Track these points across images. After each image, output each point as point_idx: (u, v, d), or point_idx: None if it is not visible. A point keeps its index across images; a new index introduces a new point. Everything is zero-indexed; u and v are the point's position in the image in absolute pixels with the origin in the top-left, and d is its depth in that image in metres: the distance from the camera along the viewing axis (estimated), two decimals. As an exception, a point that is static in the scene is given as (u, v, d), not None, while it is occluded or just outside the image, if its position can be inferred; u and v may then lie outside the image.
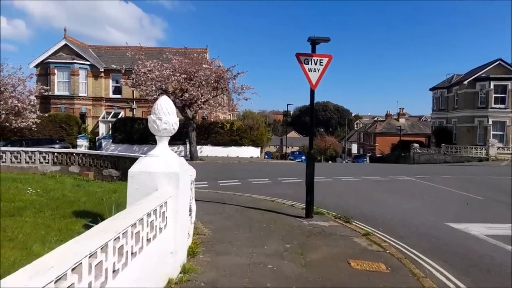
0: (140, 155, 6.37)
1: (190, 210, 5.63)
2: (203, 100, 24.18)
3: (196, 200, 6.73)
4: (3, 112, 20.46)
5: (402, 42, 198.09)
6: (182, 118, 25.40)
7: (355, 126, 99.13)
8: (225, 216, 8.39)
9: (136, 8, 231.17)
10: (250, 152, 31.43)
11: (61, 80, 33.76)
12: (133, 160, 5.20)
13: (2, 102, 19.98)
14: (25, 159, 12.70)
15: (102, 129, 34.51)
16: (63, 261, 2.14)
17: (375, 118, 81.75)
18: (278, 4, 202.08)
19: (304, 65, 8.38)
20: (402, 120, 65.75)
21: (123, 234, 3.02)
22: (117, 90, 35.57)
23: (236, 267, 5.24)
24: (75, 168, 12.63)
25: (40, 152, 12.79)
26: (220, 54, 76.58)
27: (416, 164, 33.91)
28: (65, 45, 33.96)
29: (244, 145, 31.19)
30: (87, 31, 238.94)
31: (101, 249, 2.60)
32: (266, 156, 43.12)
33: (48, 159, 12.73)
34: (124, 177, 4.11)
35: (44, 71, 33.53)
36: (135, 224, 3.35)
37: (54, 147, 20.76)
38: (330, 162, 57.53)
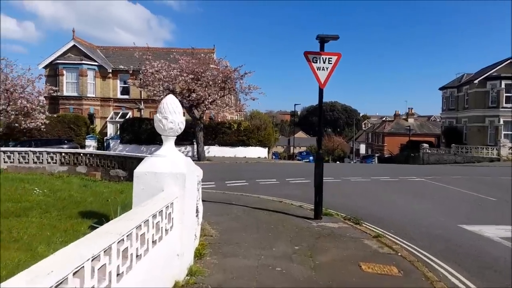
0: (147, 155, 6.31)
1: (197, 211, 5.53)
2: (210, 100, 24.13)
3: (203, 200, 6.63)
4: (13, 112, 20.62)
5: (410, 42, 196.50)
6: (189, 118, 25.43)
7: (363, 126, 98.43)
8: (232, 217, 8.28)
9: (144, 9, 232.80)
10: (258, 152, 31.31)
11: (69, 80, 34.01)
12: (140, 160, 5.12)
13: (11, 103, 20.13)
14: (33, 159, 12.73)
15: (110, 130, 34.69)
16: (64, 265, 2.05)
17: (384, 118, 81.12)
18: (285, 4, 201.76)
19: (313, 63, 8.24)
20: (411, 120, 65.08)
21: (127, 236, 2.93)
22: (125, 91, 35.73)
23: (244, 269, 5.13)
24: (82, 168, 12.63)
25: (48, 153, 12.82)
26: (227, 55, 76.93)
27: (425, 165, 33.47)
28: (74, 46, 34.20)
29: (252, 146, 31.08)
30: (95, 32, 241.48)
31: (104, 252, 2.51)
32: (274, 157, 42.95)
33: (55, 159, 12.74)
34: (131, 178, 4.04)
35: (53, 72, 33.82)
36: (140, 225, 3.25)
37: (62, 148, 20.87)
38: (338, 162, 57.16)
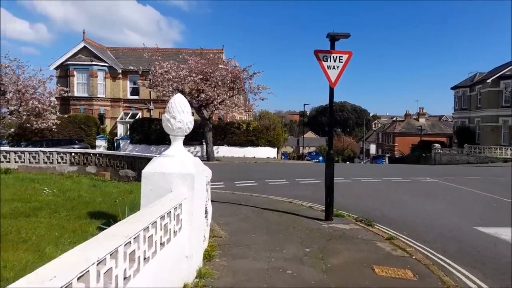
0: (156, 155, 6.25)
1: (206, 212, 5.45)
2: (219, 101, 24.10)
3: (212, 201, 6.56)
4: (24, 113, 20.82)
5: (421, 41, 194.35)
6: (198, 118, 25.46)
7: (373, 126, 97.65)
8: (241, 217, 8.18)
9: (154, 10, 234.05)
10: (267, 152, 31.19)
11: (80, 81, 34.33)
12: (149, 160, 5.06)
13: (23, 104, 20.33)
14: (43, 159, 12.81)
15: (120, 130, 34.92)
16: (68, 269, 1.98)
17: (394, 118, 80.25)
18: (294, 5, 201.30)
19: (323, 62, 8.10)
20: (422, 120, 64.30)
21: (134, 238, 2.85)
22: (135, 91, 35.93)
23: (253, 272, 5.02)
24: (92, 168, 12.66)
25: (58, 153, 12.88)
26: (236, 55, 76.74)
27: (437, 165, 32.97)
28: (84, 47, 34.51)
29: (261, 146, 30.98)
30: (105, 34, 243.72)
31: (110, 255, 2.43)
32: (283, 157, 42.77)
33: (65, 159, 12.80)
34: (140, 178, 3.98)
35: (64, 73, 34.16)
36: (148, 227, 3.17)
37: (73, 148, 21.05)
38: (347, 162, 56.67)
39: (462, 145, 37.49)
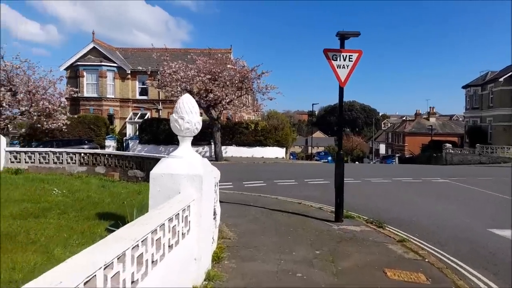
0: (165, 155, 6.20)
1: (215, 213, 5.39)
2: (227, 101, 24.07)
3: (220, 201, 6.49)
4: (35, 113, 21.03)
5: (431, 39, 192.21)
6: (206, 118, 25.47)
7: (383, 126, 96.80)
8: (250, 219, 8.11)
9: (162, 11, 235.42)
10: (275, 152, 31.10)
11: (89, 82, 34.60)
12: (157, 160, 5.04)
13: (34, 104, 20.53)
14: (53, 159, 12.89)
15: (129, 130, 35.12)
16: (74, 274, 1.93)
17: (404, 118, 79.44)
18: (303, 4, 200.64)
19: (332, 61, 8.00)
20: (432, 120, 63.56)
21: (142, 241, 2.80)
22: (144, 92, 36.11)
23: (263, 274, 4.95)
24: (101, 168, 12.70)
25: (67, 153, 12.95)
26: (244, 54, 76.59)
27: (449, 165, 32.53)
28: (94, 48, 34.77)
29: (269, 146, 30.90)
30: (115, 35, 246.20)
31: (117, 259, 2.38)
32: (291, 157, 42.62)
33: (75, 160, 12.87)
34: (148, 178, 3.96)
35: (74, 74, 34.48)
36: (156, 230, 3.12)
37: (83, 148, 21.21)
38: (357, 162, 56.31)
39: (474, 145, 36.95)
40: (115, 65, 34.95)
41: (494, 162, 32.04)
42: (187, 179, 4.19)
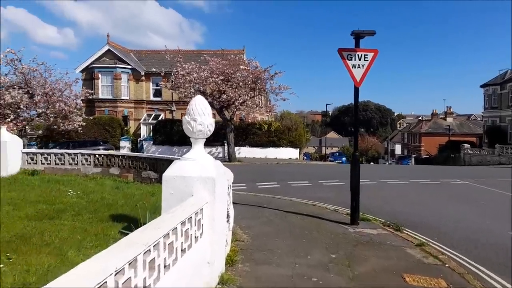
0: (178, 157, 6.16)
1: (228, 216, 5.31)
2: (240, 101, 24.03)
3: (234, 203, 6.42)
4: (52, 115, 21.40)
5: (448, 38, 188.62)
6: (220, 119, 25.48)
7: (398, 126, 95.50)
8: (264, 221, 8.01)
9: (176, 13, 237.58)
10: (289, 153, 30.91)
11: (104, 84, 35.07)
12: (170, 162, 5.00)
13: (50, 106, 20.89)
14: (69, 161, 13.05)
15: (144, 131, 35.45)
16: (84, 282, 1.87)
17: (420, 118, 78.15)
18: (316, 4, 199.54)
19: (347, 61, 7.85)
20: (449, 119, 62.32)
21: (154, 246, 2.74)
22: (157, 93, 36.40)
23: (277, 278, 4.84)
24: (115, 170, 12.79)
25: (82, 154, 13.10)
26: (257, 55, 76.34)
27: (467, 166, 31.79)
28: (108, 50, 35.23)
29: (282, 146, 30.73)
30: (130, 37, 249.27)
31: (129, 264, 2.32)
32: (305, 157, 42.33)
33: (90, 161, 13.00)
34: (162, 179, 3.94)
35: (89, 76, 35.00)
36: (168, 234, 3.06)
37: (98, 149, 21.48)
38: (372, 163, 55.58)
39: (493, 145, 36.06)
40: (129, 67, 35.33)
41: (514, 163, 31.17)
42: (199, 182, 4.13)
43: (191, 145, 4.47)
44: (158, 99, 36.50)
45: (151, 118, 35.65)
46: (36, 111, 20.98)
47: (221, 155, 29.08)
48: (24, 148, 14.39)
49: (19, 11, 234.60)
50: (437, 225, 8.36)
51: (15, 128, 18.19)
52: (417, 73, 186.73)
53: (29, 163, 13.13)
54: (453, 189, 14.43)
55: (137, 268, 2.42)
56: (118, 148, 29.38)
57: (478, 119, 70.29)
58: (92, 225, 6.15)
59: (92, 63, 34.95)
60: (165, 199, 4.27)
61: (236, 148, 27.60)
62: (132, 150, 30.92)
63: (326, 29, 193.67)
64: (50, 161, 13.09)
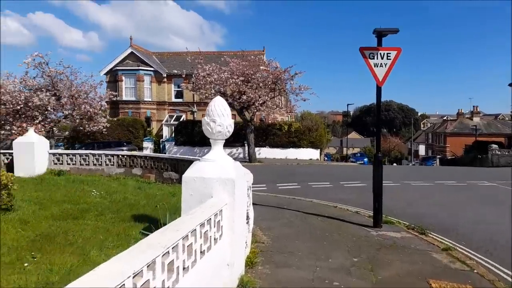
0: (198, 158, 6.18)
1: (248, 217, 5.27)
2: (260, 102, 24.00)
3: (254, 204, 6.38)
4: (77, 117, 21.96)
5: (474, 38, 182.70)
6: (240, 120, 25.52)
7: (422, 126, 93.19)
8: (284, 222, 7.94)
9: (197, 15, 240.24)
10: (309, 154, 30.65)
11: (128, 86, 35.77)
12: (191, 163, 5.01)
13: (76, 108, 21.45)
14: (93, 161, 13.38)
15: (166, 132, 35.96)
16: (103, 284, 1.87)
17: (445, 117, 75.98)
18: (337, 4, 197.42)
19: (369, 60, 7.68)
20: (476, 119, 60.33)
21: (173, 248, 2.73)
22: (179, 94, 36.84)
23: (298, 281, 4.77)
24: (137, 170, 13.01)
25: (106, 155, 13.40)
26: (277, 55, 76.23)
27: (495, 168, 30.64)
28: (131, 53, 35.91)
29: (303, 147, 30.50)
30: (152, 40, 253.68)
31: (147, 266, 2.31)
32: (326, 158, 41.90)
33: (113, 162, 13.29)
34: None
35: (113, 78, 35.78)
36: (187, 236, 3.04)
37: (122, 149, 21.93)
38: (394, 164, 54.42)
39: (523, 145, 34.62)
40: (151, 69, 35.92)
41: (547, 164, 29.83)
42: (219, 183, 4.12)
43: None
44: (180, 100, 36.93)
45: (173, 119, 36.12)
46: (63, 113, 21.58)
47: (241, 155, 29.14)
48: (51, 149, 14.83)
49: (47, 16, 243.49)
50: (465, 228, 8.06)
51: (43, 129, 18.74)
52: (442, 72, 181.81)
53: (56, 164, 13.53)
54: (481, 191, 13.91)
55: (156, 270, 2.41)
56: (141, 148, 29.90)
57: (507, 118, 67.76)
58: (114, 225, 6.24)
59: (116, 65, 35.73)
60: (184, 200, 4.28)
61: (257, 149, 27.58)
62: (155, 150, 31.40)
63: (347, 30, 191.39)
64: (75, 161, 13.45)
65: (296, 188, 13.57)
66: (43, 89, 20.47)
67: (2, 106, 19.42)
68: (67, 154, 13.72)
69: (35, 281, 3.97)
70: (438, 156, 53.81)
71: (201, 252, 3.37)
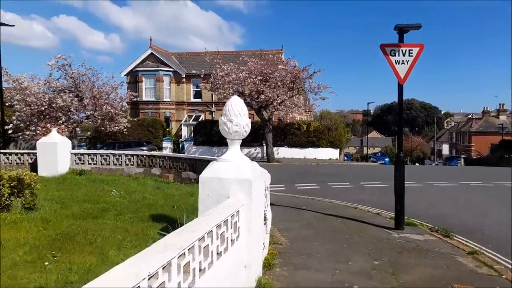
0: (216, 158, 6.16)
1: (265, 218, 5.20)
2: (279, 101, 23.88)
3: (272, 204, 6.30)
4: (99, 117, 22.43)
5: (500, 34, 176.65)
6: (258, 120, 25.46)
7: (445, 125, 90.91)
8: (303, 223, 7.82)
9: (216, 16, 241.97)
10: (328, 153, 30.29)
11: (147, 86, 36.30)
12: (208, 162, 4.99)
13: (98, 109, 21.91)
14: (113, 161, 13.63)
15: (185, 132, 36.31)
16: (118, 285, 1.85)
17: (470, 116, 73.82)
18: (354, 4, 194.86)
19: (390, 57, 7.47)
20: (503, 117, 58.36)
21: (189, 249, 2.69)
22: (198, 94, 37.12)
23: (316, 284, 4.67)
24: (156, 170, 13.15)
25: (126, 155, 13.63)
26: (295, 54, 75.49)
27: (523, 167, 29.49)
28: (151, 54, 36.41)
29: (322, 147, 30.17)
30: (172, 41, 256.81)
31: (163, 268, 2.28)
32: (346, 158, 41.36)
33: (133, 162, 13.49)
34: (201, 179, 3.99)
35: (133, 79, 36.38)
36: (203, 237, 3.01)
37: (142, 149, 22.25)
38: (417, 164, 53.24)
39: (553, 144, 33.23)
40: (171, 69, 36.32)
41: None
42: (236, 184, 4.06)
43: (231, 145, 4.43)
44: (198, 100, 37.20)
45: (192, 119, 36.42)
46: (85, 113, 22.08)
47: (259, 155, 29.08)
48: (74, 149, 15.18)
49: (70, 19, 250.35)
50: (491, 231, 7.74)
51: (66, 130, 19.22)
52: (466, 69, 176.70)
53: (77, 163, 13.84)
54: (508, 193, 13.37)
55: (171, 272, 2.39)
56: (160, 148, 30.27)
57: (536, 116, 65.15)
58: (133, 224, 6.29)
59: (136, 66, 36.30)
60: (201, 201, 4.25)
61: (275, 148, 27.47)
62: (174, 150, 31.73)
63: (366, 30, 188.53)
64: (96, 161, 13.73)
65: (315, 189, 13.40)
66: (66, 90, 21.01)
67: (28, 108, 20.03)
68: (88, 154, 14.01)
69: (54, 279, 4.01)
70: (463, 156, 52.34)
71: (217, 253, 3.33)
